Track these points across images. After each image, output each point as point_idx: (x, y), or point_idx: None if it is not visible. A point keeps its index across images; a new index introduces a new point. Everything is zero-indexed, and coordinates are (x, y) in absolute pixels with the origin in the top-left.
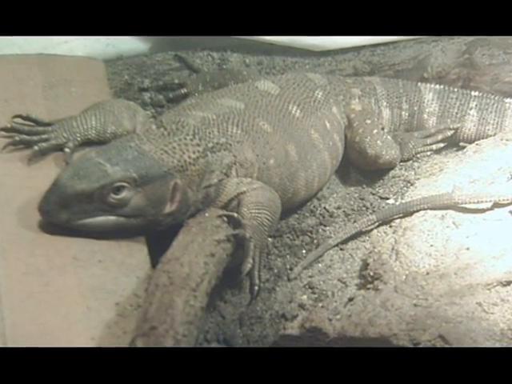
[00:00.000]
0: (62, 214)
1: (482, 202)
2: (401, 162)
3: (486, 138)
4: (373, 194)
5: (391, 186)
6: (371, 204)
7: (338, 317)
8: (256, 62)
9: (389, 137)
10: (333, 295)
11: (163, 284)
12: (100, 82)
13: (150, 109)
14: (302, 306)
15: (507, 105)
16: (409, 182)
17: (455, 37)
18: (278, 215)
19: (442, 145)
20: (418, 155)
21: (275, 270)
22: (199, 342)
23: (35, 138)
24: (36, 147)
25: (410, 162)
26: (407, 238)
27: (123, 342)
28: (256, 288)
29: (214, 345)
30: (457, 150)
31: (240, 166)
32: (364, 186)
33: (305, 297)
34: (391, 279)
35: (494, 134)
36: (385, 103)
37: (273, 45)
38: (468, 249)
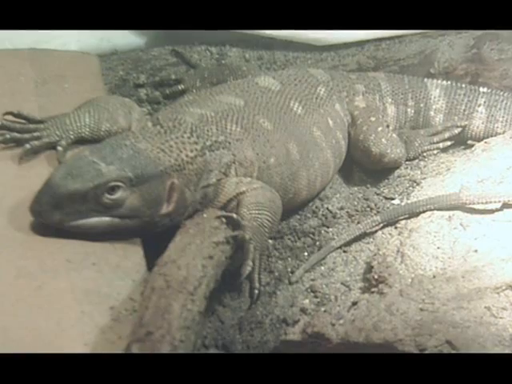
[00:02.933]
0: (55, 215)
1: (490, 202)
2: (406, 160)
3: (495, 135)
4: (377, 194)
5: (396, 185)
6: (376, 204)
7: (341, 322)
8: (256, 56)
9: (394, 135)
10: (336, 299)
11: (160, 287)
12: (94, 78)
13: (146, 106)
14: (303, 311)
15: None
16: (415, 181)
17: (463, 31)
18: (278, 216)
19: (449, 143)
20: (425, 154)
21: (276, 273)
22: (197, 348)
23: (27, 135)
24: (28, 145)
25: (416, 160)
26: (413, 239)
27: (118, 348)
28: (256, 292)
29: (212, 351)
30: (464, 149)
31: (239, 165)
32: (368, 185)
33: (307, 301)
34: (396, 283)
35: (503, 132)
36: (390, 100)
37: (273, 39)
38: (476, 251)
